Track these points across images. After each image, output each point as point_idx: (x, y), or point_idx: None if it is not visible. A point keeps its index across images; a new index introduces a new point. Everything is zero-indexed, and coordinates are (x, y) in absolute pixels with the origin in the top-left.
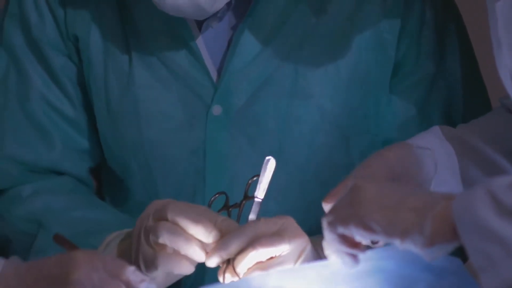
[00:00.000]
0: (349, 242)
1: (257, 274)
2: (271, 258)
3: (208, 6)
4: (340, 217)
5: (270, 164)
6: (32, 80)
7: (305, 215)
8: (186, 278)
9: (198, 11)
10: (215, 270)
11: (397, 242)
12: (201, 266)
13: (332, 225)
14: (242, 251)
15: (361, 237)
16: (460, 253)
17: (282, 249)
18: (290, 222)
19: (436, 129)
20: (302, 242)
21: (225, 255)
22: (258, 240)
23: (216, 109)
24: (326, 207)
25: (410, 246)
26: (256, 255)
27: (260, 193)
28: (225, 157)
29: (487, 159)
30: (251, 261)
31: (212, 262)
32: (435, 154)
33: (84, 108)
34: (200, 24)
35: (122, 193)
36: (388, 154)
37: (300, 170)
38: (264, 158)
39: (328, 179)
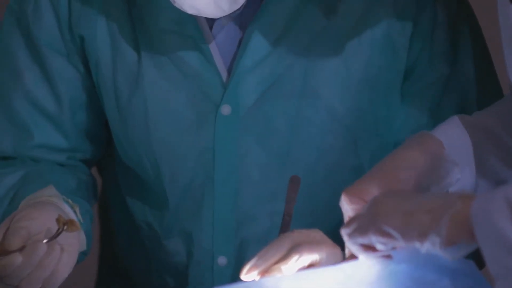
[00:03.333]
0: (373, 249)
1: (270, 277)
2: (310, 266)
3: (227, 6)
4: (359, 228)
5: (296, 181)
6: (22, 76)
7: (313, 216)
8: (193, 279)
9: (217, 10)
10: (221, 271)
11: (416, 245)
12: (209, 266)
13: (352, 236)
14: (284, 257)
15: (381, 245)
16: (474, 254)
17: (322, 255)
18: (321, 234)
19: (454, 121)
20: (336, 251)
21: (265, 266)
22: (301, 246)
23: (225, 109)
24: (348, 206)
25: (429, 248)
26: (299, 260)
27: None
28: (234, 157)
29: (507, 147)
30: (295, 267)
31: (252, 276)
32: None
33: (80, 109)
34: (210, 23)
35: (138, 185)
36: (416, 161)
37: (309, 171)
38: (273, 158)
39: (337, 181)
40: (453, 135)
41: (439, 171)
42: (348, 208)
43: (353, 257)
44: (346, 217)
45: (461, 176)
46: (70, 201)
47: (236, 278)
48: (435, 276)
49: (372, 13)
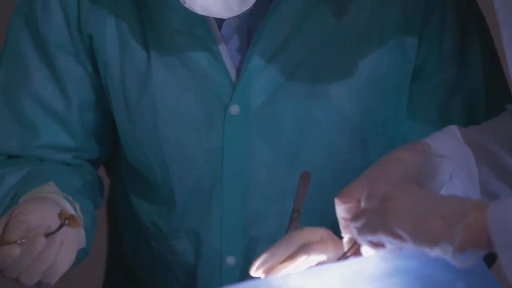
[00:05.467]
0: (382, 246)
1: (278, 274)
2: (318, 265)
3: (236, 6)
4: (369, 226)
5: (307, 178)
6: (30, 75)
7: (321, 216)
8: (202, 279)
9: (226, 11)
10: (230, 271)
11: (426, 250)
12: (217, 266)
13: (361, 232)
14: (292, 256)
15: (391, 245)
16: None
17: (329, 255)
18: (329, 232)
19: (453, 129)
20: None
21: (274, 263)
22: (310, 246)
23: (234, 109)
24: (340, 206)
25: (439, 254)
26: (307, 260)
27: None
28: (243, 156)
29: (503, 164)
30: (302, 266)
31: (260, 273)
32: (453, 160)
33: (88, 108)
34: (219, 23)
35: (144, 185)
36: (404, 157)
37: (318, 171)
38: (282, 158)
39: (346, 181)
40: (443, 141)
41: (427, 165)
42: (339, 208)
43: (352, 247)
44: (340, 219)
45: (460, 185)
46: (70, 198)
47: (244, 278)
48: (443, 273)
49: (381, 14)
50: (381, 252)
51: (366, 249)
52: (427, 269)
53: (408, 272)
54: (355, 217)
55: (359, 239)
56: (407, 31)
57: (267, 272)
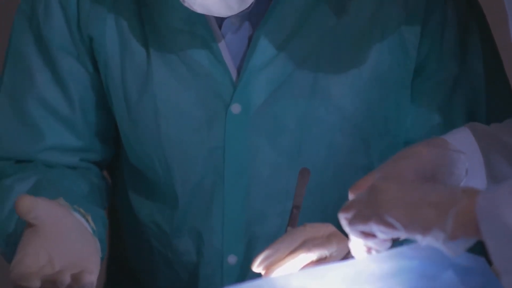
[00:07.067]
0: (373, 236)
1: (280, 274)
2: (320, 260)
3: (236, 5)
4: (360, 216)
5: (306, 174)
6: (33, 78)
7: (322, 216)
8: (203, 278)
9: (226, 9)
10: (231, 270)
11: (418, 238)
12: (219, 265)
13: (352, 223)
14: (293, 252)
15: (382, 234)
16: (485, 251)
17: (331, 250)
18: (332, 228)
19: (471, 127)
20: (347, 245)
21: (276, 258)
22: (311, 242)
23: (235, 108)
24: (352, 197)
25: (431, 242)
26: (308, 255)
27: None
28: (244, 155)
29: None
30: (303, 262)
31: (262, 269)
32: (470, 156)
33: (91, 109)
34: (219, 22)
35: (146, 185)
36: (420, 154)
37: (319, 170)
38: (283, 157)
39: (347, 181)
40: (461, 138)
41: (443, 159)
42: (351, 198)
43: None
44: None
45: (471, 175)
46: (81, 210)
47: (245, 277)
48: (446, 274)
49: (382, 12)
50: (380, 253)
51: (354, 240)
52: (429, 269)
53: (410, 272)
54: (345, 208)
55: (350, 230)
56: (408, 30)
57: (269, 267)
